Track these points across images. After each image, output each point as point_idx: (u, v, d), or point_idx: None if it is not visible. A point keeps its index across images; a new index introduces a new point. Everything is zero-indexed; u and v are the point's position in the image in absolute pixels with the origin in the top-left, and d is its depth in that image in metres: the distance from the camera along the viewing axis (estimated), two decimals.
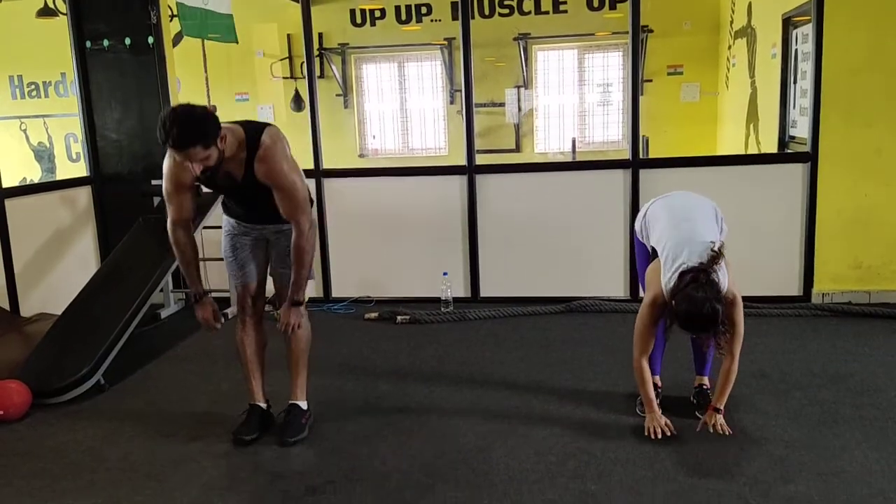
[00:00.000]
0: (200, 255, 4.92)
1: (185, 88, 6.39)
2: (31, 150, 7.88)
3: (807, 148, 4.53)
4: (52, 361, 3.63)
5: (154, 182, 4.79)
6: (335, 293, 5.12)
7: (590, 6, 7.74)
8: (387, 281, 5.07)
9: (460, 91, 5.75)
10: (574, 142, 7.43)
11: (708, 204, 3.05)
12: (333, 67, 8.21)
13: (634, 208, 4.68)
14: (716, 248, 2.67)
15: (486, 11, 7.87)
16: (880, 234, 4.51)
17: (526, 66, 7.99)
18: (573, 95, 8.24)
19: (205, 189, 3.08)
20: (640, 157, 4.76)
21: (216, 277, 5.07)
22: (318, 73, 6.58)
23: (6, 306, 4.30)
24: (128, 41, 4.98)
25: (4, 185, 4.38)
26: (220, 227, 4.76)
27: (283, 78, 8.19)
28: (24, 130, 7.85)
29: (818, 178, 4.49)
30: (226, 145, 2.61)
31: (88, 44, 5.04)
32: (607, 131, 8.20)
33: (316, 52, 7.05)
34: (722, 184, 4.64)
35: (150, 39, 4.96)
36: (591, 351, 3.92)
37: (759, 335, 3.96)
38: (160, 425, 3.18)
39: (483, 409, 3.24)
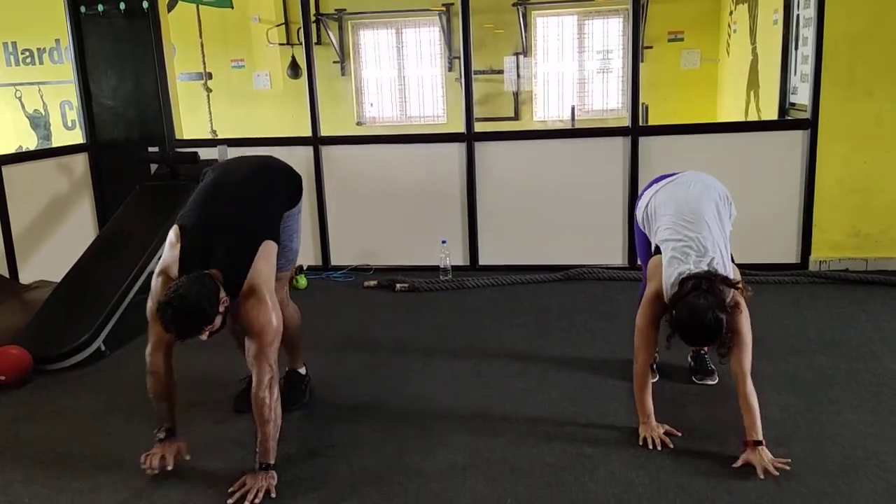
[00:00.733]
0: None
1: (180, 56, 6.34)
2: (26, 117, 7.82)
3: (807, 115, 4.52)
4: (53, 328, 3.65)
5: (151, 149, 4.76)
6: (334, 261, 5.13)
7: None
8: (386, 249, 5.08)
9: (459, 58, 5.70)
10: (573, 110, 7.38)
11: (716, 191, 2.82)
12: (330, 34, 8.12)
13: (634, 176, 4.68)
14: (718, 270, 2.47)
15: None
16: (879, 202, 4.51)
17: (525, 32, 7.90)
18: (573, 63, 8.17)
19: None
20: (640, 124, 4.74)
21: None
22: (314, 39, 6.48)
23: (5, 273, 4.30)
24: (122, 6, 4.93)
25: (1, 153, 4.36)
26: None
27: (280, 44, 8.10)
28: (20, 98, 7.79)
29: (818, 146, 4.48)
30: (226, 305, 2.36)
31: (83, 9, 4.98)
32: (607, 99, 8.14)
33: (312, 18, 6.96)
34: (721, 151, 4.64)
35: (145, 4, 4.91)
36: (588, 318, 3.94)
37: (755, 302, 3.95)
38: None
39: (482, 376, 3.27)
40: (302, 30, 5.02)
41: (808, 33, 4.58)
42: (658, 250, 2.69)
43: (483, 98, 7.90)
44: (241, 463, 2.54)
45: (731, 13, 7.07)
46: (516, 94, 8.16)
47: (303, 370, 3.13)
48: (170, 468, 2.48)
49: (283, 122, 7.49)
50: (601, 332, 3.72)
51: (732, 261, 2.67)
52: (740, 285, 2.49)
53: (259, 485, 2.38)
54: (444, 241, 4.82)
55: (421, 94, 8.50)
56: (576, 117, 7.36)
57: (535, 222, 4.87)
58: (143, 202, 4.48)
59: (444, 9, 7.88)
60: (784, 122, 4.94)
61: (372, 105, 8.59)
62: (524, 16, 7.82)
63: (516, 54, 7.98)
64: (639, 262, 3.17)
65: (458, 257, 4.96)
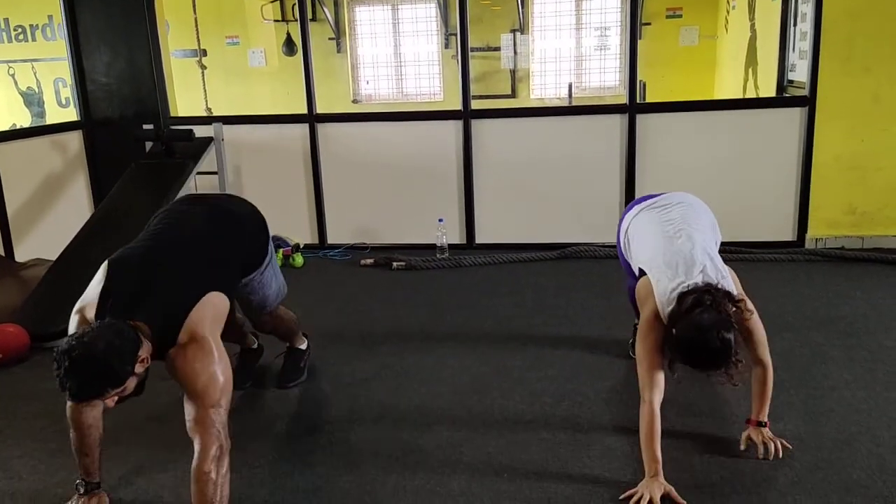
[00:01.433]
0: None
1: (174, 32, 6.28)
2: (19, 95, 7.76)
3: (805, 92, 4.50)
4: (50, 305, 3.64)
5: (145, 126, 4.73)
6: (330, 240, 5.12)
7: None
8: (382, 227, 5.07)
9: (455, 35, 5.66)
10: (570, 87, 7.35)
11: (701, 211, 2.65)
12: (326, 10, 8.05)
13: (631, 154, 4.67)
14: (712, 278, 2.27)
15: None
16: (876, 179, 4.51)
17: (522, 9, 7.84)
18: (570, 40, 8.12)
19: None
20: (638, 101, 4.72)
21: None
22: (310, 15, 6.43)
23: (1, 252, 4.29)
24: None
25: None
26: (214, 173, 4.77)
27: (275, 21, 8.03)
28: (13, 75, 7.72)
29: (815, 123, 4.47)
30: (146, 366, 1.97)
31: None
32: (604, 76, 8.10)
33: None
34: (719, 128, 4.63)
35: None
36: (585, 296, 3.95)
37: (751, 280, 3.96)
38: (157, 367, 3.20)
39: (478, 353, 3.28)
40: (297, 6, 4.97)
41: (806, 9, 4.56)
42: (642, 273, 2.47)
43: (480, 76, 7.85)
44: (248, 437, 2.54)
45: None
46: (513, 72, 8.11)
47: (303, 345, 3.12)
48: None
49: (279, 99, 7.46)
50: (598, 310, 3.73)
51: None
52: (742, 303, 2.26)
53: None
54: (440, 220, 4.81)
55: (417, 72, 8.45)
56: (573, 95, 7.33)
57: (532, 200, 4.87)
58: (139, 180, 4.47)
59: None
60: (782, 100, 4.92)
61: (368, 82, 8.54)
62: None
63: (513, 31, 7.92)
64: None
65: (455, 236, 4.95)
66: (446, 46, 8.10)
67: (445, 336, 3.50)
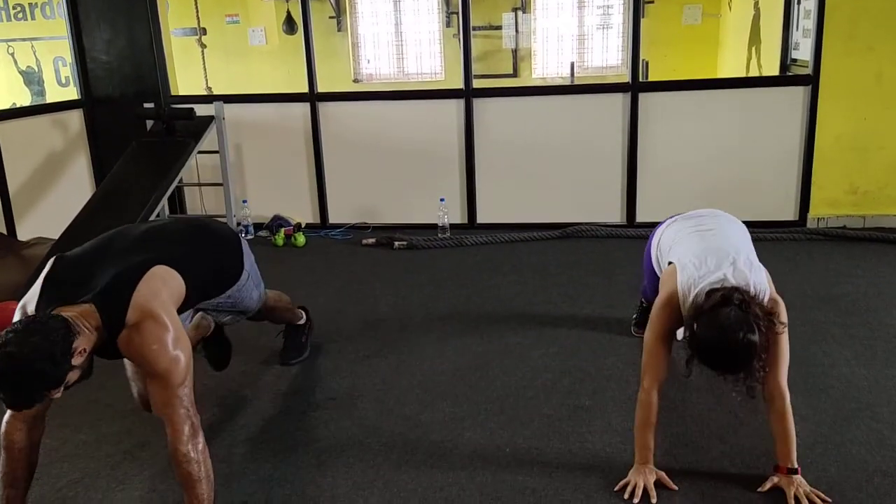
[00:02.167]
0: (194, 179, 4.94)
1: (173, 10, 6.24)
2: (19, 74, 7.72)
3: (808, 71, 4.48)
4: None
5: (146, 105, 4.72)
6: (332, 219, 5.12)
7: None
8: (383, 207, 5.07)
9: (457, 13, 5.62)
10: (573, 66, 7.30)
11: (732, 218, 2.51)
12: None
13: (633, 133, 4.66)
14: (744, 272, 2.13)
15: None
16: (878, 158, 4.51)
17: None
18: (572, 18, 8.05)
19: None
20: (640, 80, 4.70)
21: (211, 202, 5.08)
22: None
23: (3, 230, 4.29)
24: None
25: None
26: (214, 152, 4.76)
27: None
28: (12, 54, 7.68)
29: (818, 102, 4.45)
30: (85, 356, 1.80)
31: None
32: (607, 55, 8.04)
33: None
34: (721, 107, 4.62)
35: None
36: (586, 274, 3.96)
37: None
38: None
39: (480, 331, 3.29)
40: None
41: None
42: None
43: (481, 55, 7.80)
44: (251, 414, 2.56)
45: None
46: (515, 51, 8.05)
47: (302, 320, 3.09)
48: None
49: (279, 78, 7.42)
50: (599, 289, 3.74)
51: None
52: (775, 314, 2.07)
53: None
54: (442, 199, 4.81)
55: (419, 51, 8.39)
56: (575, 74, 7.29)
57: (534, 180, 4.86)
58: (140, 158, 4.46)
59: None
60: (785, 78, 4.90)
61: (369, 62, 8.48)
62: None
63: (515, 10, 7.85)
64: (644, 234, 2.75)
65: (457, 215, 4.95)
66: (448, 25, 8.04)
67: (447, 314, 3.51)
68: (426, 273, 4.12)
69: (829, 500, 2.03)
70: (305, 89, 4.94)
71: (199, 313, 2.63)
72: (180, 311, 2.07)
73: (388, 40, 8.40)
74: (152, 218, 4.09)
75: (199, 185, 5.00)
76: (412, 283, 3.96)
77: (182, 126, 4.57)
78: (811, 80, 4.44)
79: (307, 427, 2.54)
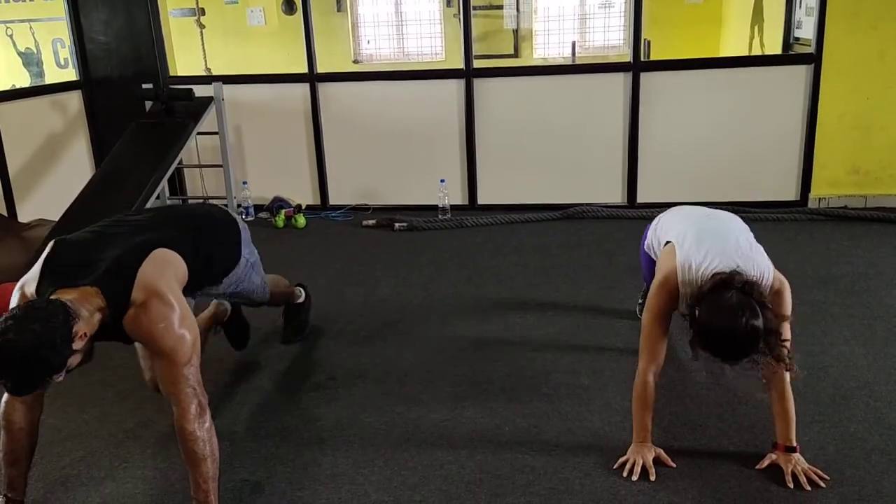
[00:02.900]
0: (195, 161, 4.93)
1: None
2: (18, 55, 7.68)
3: (811, 49, 4.45)
4: None
5: (145, 86, 4.70)
6: (332, 201, 5.12)
7: None
8: (384, 188, 5.06)
9: None
10: (574, 46, 7.25)
11: (732, 215, 2.41)
12: None
13: (635, 113, 4.64)
14: (744, 253, 2.11)
15: None
16: (880, 138, 4.49)
17: None
18: None
19: None
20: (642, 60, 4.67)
21: (211, 183, 5.07)
22: None
23: (4, 212, 4.30)
24: None
25: None
26: (214, 134, 4.75)
27: None
28: (11, 36, 7.63)
29: (821, 81, 4.43)
30: (87, 339, 1.79)
31: None
32: (608, 35, 7.99)
33: None
34: (724, 86, 4.59)
35: None
36: (587, 255, 3.96)
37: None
38: None
39: (480, 312, 3.30)
40: None
41: None
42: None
43: (482, 35, 7.74)
44: (252, 394, 2.57)
45: None
46: (516, 31, 7.99)
47: (301, 298, 3.10)
48: None
49: (279, 59, 7.37)
50: (599, 269, 3.74)
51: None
52: (780, 297, 2.06)
53: None
54: (442, 181, 4.80)
55: (419, 31, 8.33)
56: (576, 54, 7.24)
57: (535, 160, 4.85)
58: (139, 139, 4.45)
59: None
60: (787, 57, 4.87)
61: (369, 42, 8.43)
62: None
63: None
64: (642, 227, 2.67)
65: (457, 196, 4.94)
66: (448, 5, 7.98)
67: (448, 295, 3.52)
68: (427, 254, 4.12)
69: (827, 477, 2.04)
70: (305, 70, 4.92)
71: (214, 301, 2.70)
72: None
73: (388, 20, 8.34)
74: (152, 199, 4.10)
75: (200, 166, 4.99)
76: (412, 265, 3.96)
77: (181, 107, 4.55)
78: (814, 59, 4.41)
79: (308, 406, 2.56)
